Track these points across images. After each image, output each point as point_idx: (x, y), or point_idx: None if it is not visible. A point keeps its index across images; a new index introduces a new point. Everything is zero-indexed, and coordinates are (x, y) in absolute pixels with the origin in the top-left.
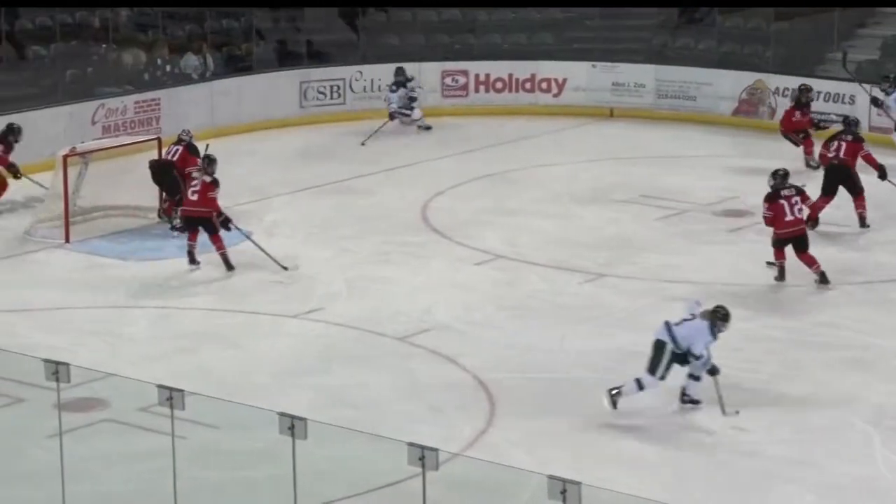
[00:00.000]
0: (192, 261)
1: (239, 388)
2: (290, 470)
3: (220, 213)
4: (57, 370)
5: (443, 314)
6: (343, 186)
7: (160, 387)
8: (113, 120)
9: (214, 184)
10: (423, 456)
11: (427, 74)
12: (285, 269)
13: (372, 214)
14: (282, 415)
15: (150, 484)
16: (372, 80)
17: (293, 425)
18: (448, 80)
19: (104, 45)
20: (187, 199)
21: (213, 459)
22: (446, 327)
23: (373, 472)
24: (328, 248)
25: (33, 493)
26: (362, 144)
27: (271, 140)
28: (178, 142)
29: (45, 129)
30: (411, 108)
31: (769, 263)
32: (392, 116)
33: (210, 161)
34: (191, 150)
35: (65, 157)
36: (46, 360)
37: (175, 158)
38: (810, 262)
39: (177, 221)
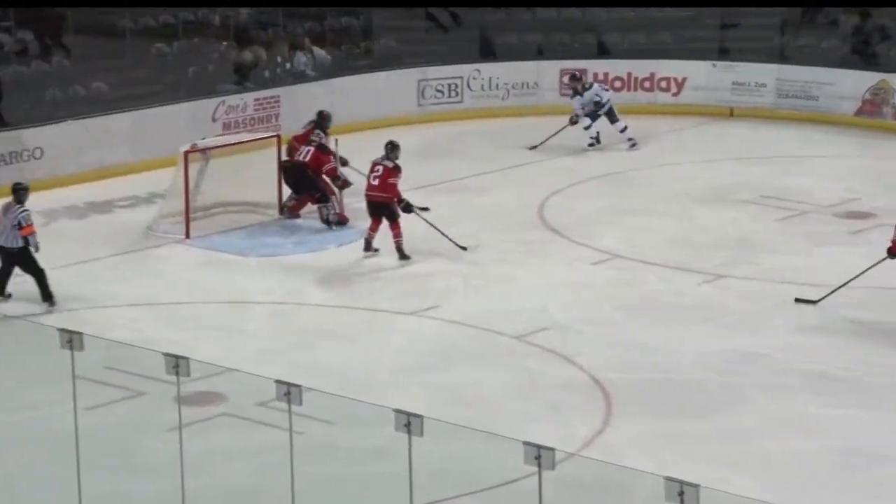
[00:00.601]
0: (368, 248)
1: (356, 385)
2: (406, 467)
3: (400, 199)
4: (177, 364)
5: (560, 313)
6: (460, 185)
7: (278, 382)
8: (233, 117)
9: (396, 169)
10: (540, 455)
11: (545, 73)
12: (463, 249)
13: (489, 213)
14: (398, 412)
15: (267, 478)
16: (490, 79)
17: (409, 422)
18: (566, 79)
19: (225, 43)
20: (369, 185)
21: (329, 455)
22: (563, 326)
23: (488, 471)
24: (446, 245)
25: (152, 485)
26: (532, 149)
27: (389, 138)
28: (309, 142)
29: (167, 125)
30: (597, 116)
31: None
32: (573, 121)
33: (393, 147)
34: (322, 149)
35: (186, 154)
36: (167, 354)
37: (307, 159)
38: None
39: (332, 217)
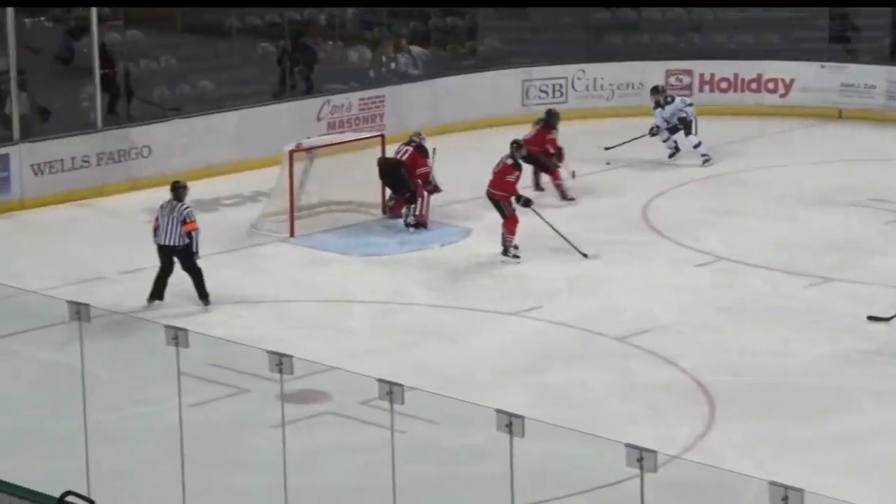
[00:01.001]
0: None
1: (457, 385)
2: (507, 467)
3: (518, 196)
4: (280, 362)
5: (662, 315)
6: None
7: (380, 381)
8: (338, 116)
9: (515, 167)
10: (642, 457)
11: (651, 73)
12: (585, 256)
13: (593, 214)
14: (499, 412)
15: (369, 477)
16: (594, 79)
17: (511, 423)
18: (672, 80)
19: (330, 43)
20: (489, 181)
21: (431, 455)
22: (666, 328)
23: (589, 473)
24: (549, 245)
25: (255, 482)
26: (607, 149)
27: (494, 138)
28: (409, 142)
29: (272, 124)
30: (677, 130)
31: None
32: (653, 133)
33: (518, 146)
34: (421, 151)
35: (291, 153)
36: (270, 352)
37: (405, 158)
38: None
39: (410, 219)
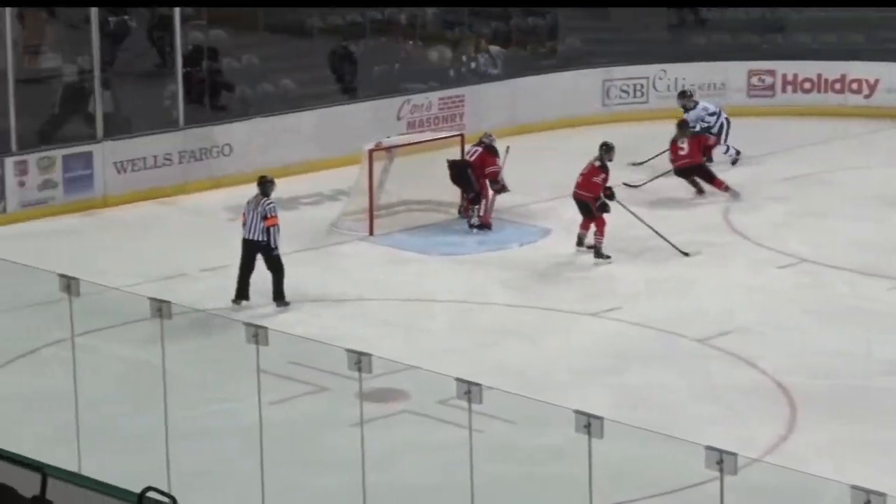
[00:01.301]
0: (580, 243)
1: (536, 385)
2: (586, 468)
3: (598, 197)
4: (359, 360)
5: (743, 317)
6: (646, 187)
7: (458, 380)
8: (418, 116)
9: (602, 169)
10: (722, 460)
11: (733, 74)
12: (686, 254)
13: (674, 215)
14: (578, 413)
15: (447, 476)
16: (675, 80)
17: (589, 423)
18: (754, 80)
19: (411, 42)
20: (576, 181)
21: (509, 454)
22: (747, 330)
23: (668, 474)
24: (629, 247)
25: (334, 480)
26: (636, 165)
27: (573, 138)
28: (479, 143)
29: (352, 123)
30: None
31: None
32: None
33: (608, 148)
34: (490, 151)
35: (370, 152)
36: (349, 351)
37: (473, 159)
38: None
39: (474, 220)
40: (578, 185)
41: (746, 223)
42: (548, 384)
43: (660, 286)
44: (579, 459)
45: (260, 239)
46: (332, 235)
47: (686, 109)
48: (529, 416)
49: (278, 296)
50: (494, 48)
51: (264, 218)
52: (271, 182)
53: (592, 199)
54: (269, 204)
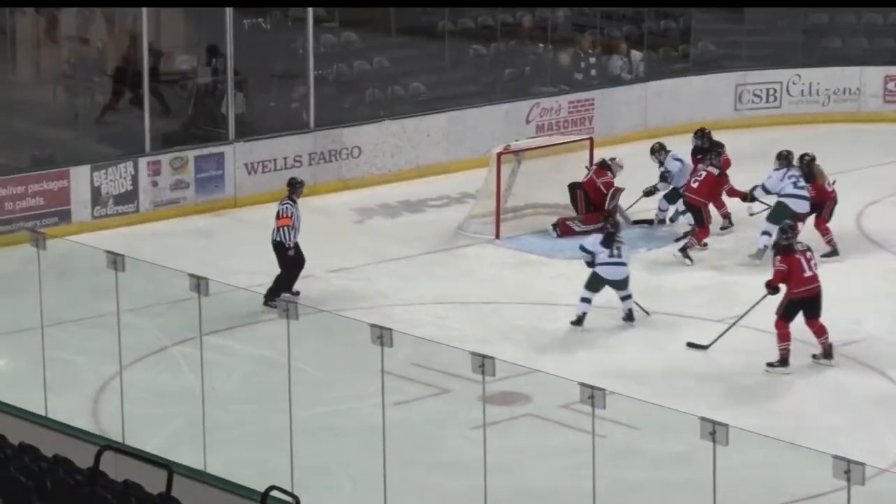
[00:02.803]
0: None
1: (660, 390)
2: (710, 475)
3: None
4: (483, 363)
5: (875, 325)
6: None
7: (582, 384)
8: (547, 119)
9: (721, 176)
10: (849, 469)
11: (868, 79)
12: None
13: (806, 221)
14: (703, 419)
15: (569, 480)
16: (810, 84)
17: (714, 430)
18: (891, 86)
19: (541, 45)
20: (688, 186)
21: (631, 460)
22: (878, 339)
23: (794, 483)
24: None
25: (455, 482)
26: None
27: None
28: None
29: (482, 126)
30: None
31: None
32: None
33: (717, 153)
34: (603, 166)
35: (499, 155)
36: (473, 353)
37: (585, 180)
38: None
39: (556, 232)
40: (691, 190)
41: (879, 230)
42: (672, 389)
43: None
44: (704, 466)
45: (276, 238)
46: (459, 238)
47: (660, 163)
48: (653, 422)
49: (272, 294)
50: (636, 53)
51: (277, 217)
52: (301, 184)
53: (705, 205)
54: (283, 204)
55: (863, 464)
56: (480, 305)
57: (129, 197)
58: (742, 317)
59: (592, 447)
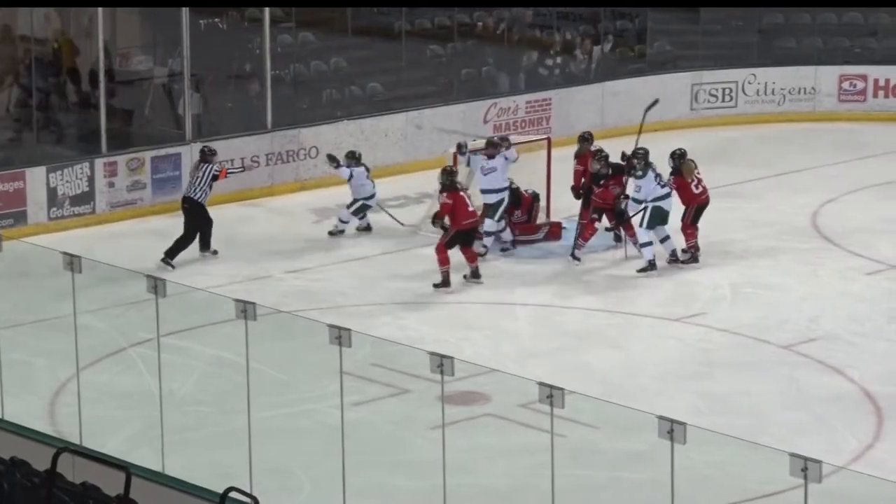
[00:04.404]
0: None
1: (619, 389)
2: (668, 474)
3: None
4: (441, 363)
5: (831, 324)
6: (732, 190)
7: (541, 384)
8: (504, 119)
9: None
10: (806, 467)
11: (824, 78)
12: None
13: (760, 220)
14: (661, 418)
15: (528, 480)
16: (766, 84)
17: (672, 429)
18: (846, 85)
19: (504, 45)
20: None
21: (591, 459)
22: (835, 337)
23: (752, 481)
24: (714, 251)
25: (415, 482)
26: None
27: (660, 142)
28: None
29: (439, 126)
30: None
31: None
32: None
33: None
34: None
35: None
36: (432, 353)
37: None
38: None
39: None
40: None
41: (835, 229)
42: (631, 389)
43: (746, 291)
44: (662, 465)
45: (200, 198)
46: (416, 238)
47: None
48: (612, 421)
49: (172, 253)
50: (597, 49)
51: (216, 178)
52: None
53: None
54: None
55: (820, 461)
56: (438, 305)
57: (86, 198)
58: None
59: (552, 446)
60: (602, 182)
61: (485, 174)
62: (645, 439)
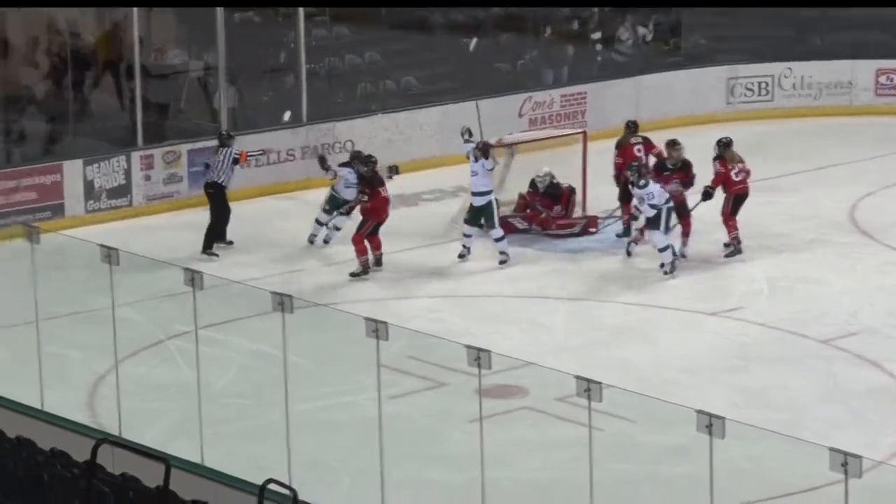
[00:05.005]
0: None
1: (655, 384)
2: (707, 468)
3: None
4: (479, 356)
5: (869, 318)
6: (770, 185)
7: (578, 378)
8: (539, 113)
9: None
10: (847, 462)
11: (860, 72)
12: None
13: (798, 213)
14: (700, 412)
15: (566, 473)
16: (802, 78)
17: (711, 423)
18: (882, 79)
19: (536, 38)
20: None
21: (628, 453)
22: (873, 331)
23: (791, 476)
24: (751, 245)
25: (453, 475)
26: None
27: (696, 136)
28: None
29: (472, 119)
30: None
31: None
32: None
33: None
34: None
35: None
36: (469, 347)
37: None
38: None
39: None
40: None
41: (874, 223)
42: (668, 383)
43: (783, 285)
44: (700, 458)
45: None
46: (452, 231)
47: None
48: (650, 415)
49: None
50: (642, 28)
51: (237, 161)
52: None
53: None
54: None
55: (860, 456)
56: (475, 299)
57: (123, 191)
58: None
59: (590, 440)
60: (666, 173)
61: (471, 175)
62: (683, 433)
